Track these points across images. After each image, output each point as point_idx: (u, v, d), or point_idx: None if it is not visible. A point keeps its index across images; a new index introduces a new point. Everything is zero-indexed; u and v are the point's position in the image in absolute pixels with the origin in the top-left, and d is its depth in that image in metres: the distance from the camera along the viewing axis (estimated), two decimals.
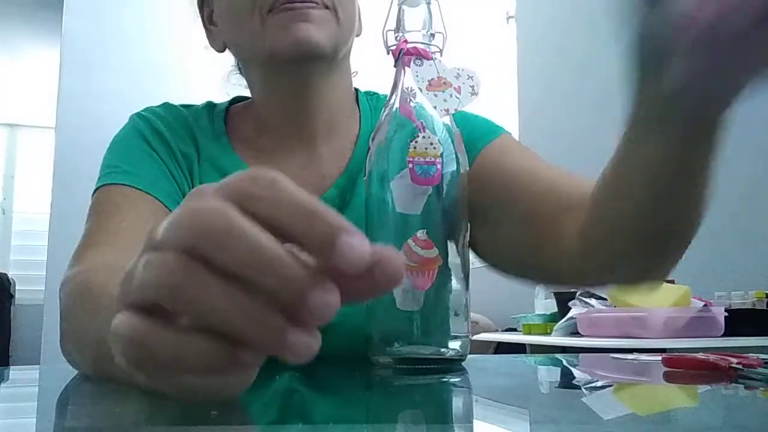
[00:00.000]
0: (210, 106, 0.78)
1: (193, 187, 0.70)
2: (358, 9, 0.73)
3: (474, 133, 0.71)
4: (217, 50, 0.75)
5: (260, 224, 0.25)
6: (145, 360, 0.26)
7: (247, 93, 0.78)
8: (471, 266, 0.57)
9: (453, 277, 0.53)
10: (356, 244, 0.26)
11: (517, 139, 0.76)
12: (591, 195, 0.55)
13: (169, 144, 0.71)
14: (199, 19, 0.77)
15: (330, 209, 0.26)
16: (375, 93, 0.80)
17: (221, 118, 0.76)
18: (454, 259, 0.53)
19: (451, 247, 0.53)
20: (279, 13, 0.64)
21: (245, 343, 0.26)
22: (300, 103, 0.71)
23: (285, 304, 0.25)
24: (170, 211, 0.64)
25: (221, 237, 0.25)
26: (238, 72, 0.79)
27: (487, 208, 0.66)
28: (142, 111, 0.74)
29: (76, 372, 0.56)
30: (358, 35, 0.73)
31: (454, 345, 0.53)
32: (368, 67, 0.90)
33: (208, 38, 0.76)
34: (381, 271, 0.26)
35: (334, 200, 0.70)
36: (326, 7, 0.65)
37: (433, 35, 0.57)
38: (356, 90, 0.79)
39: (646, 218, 0.50)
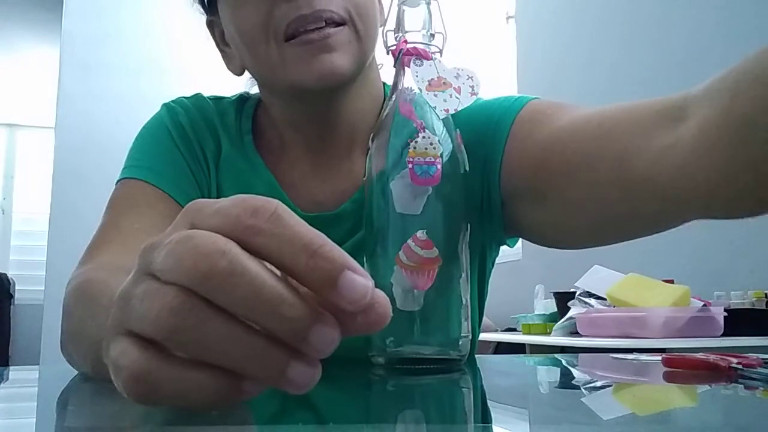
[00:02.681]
0: (241, 100, 0.74)
1: (211, 185, 0.69)
2: (377, 7, 0.67)
3: (492, 122, 0.64)
4: (236, 74, 0.70)
5: (262, 257, 0.26)
6: (147, 394, 0.27)
7: None
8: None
9: (453, 277, 0.53)
10: (357, 283, 0.26)
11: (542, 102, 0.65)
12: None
13: (191, 140, 0.70)
14: (212, 40, 0.72)
15: (333, 245, 0.26)
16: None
17: (249, 115, 0.73)
18: (454, 259, 0.53)
19: (451, 247, 0.53)
20: (297, 46, 0.59)
21: (247, 377, 0.26)
22: (322, 126, 0.68)
23: (287, 341, 0.26)
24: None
25: (223, 279, 0.25)
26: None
27: (542, 188, 0.59)
28: (172, 101, 0.73)
29: (76, 372, 0.56)
30: (381, 26, 0.66)
31: (455, 345, 0.53)
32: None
33: (224, 60, 0.71)
34: (374, 311, 0.26)
35: (349, 215, 0.67)
36: (344, 23, 0.60)
37: (433, 35, 0.57)
38: (384, 85, 0.73)
39: None
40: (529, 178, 0.60)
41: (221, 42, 0.71)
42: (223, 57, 0.71)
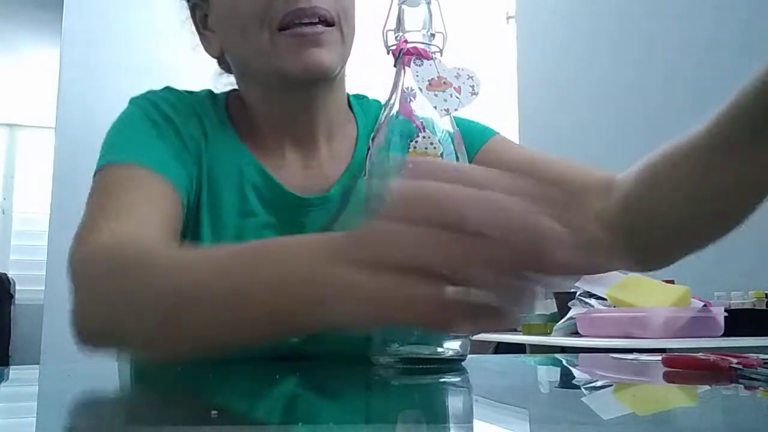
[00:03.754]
0: (211, 94, 0.76)
1: (202, 169, 0.69)
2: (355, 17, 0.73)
3: (467, 137, 0.71)
4: (213, 56, 0.74)
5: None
6: (450, 319, 0.31)
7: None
8: None
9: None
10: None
11: (517, 139, 0.79)
12: (645, 174, 0.60)
13: (177, 126, 0.69)
14: (190, 21, 0.76)
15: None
16: (364, 96, 0.81)
17: (223, 107, 0.75)
18: None
19: None
20: (290, 37, 0.64)
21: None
22: (301, 116, 0.71)
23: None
24: (179, 193, 0.64)
25: (484, 207, 0.30)
26: (224, 72, 0.78)
27: None
28: (144, 94, 0.72)
29: (75, 372, 0.56)
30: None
31: (454, 345, 0.53)
32: (368, 67, 0.89)
33: (203, 43, 0.75)
34: None
35: (337, 199, 0.70)
36: (332, 24, 0.65)
37: (433, 35, 0.57)
38: (347, 95, 0.80)
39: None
40: None
41: (201, 25, 0.74)
42: (202, 40, 0.75)
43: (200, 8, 0.73)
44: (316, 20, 0.63)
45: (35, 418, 0.38)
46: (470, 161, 0.70)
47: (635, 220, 0.61)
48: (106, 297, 0.48)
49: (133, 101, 0.71)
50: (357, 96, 0.80)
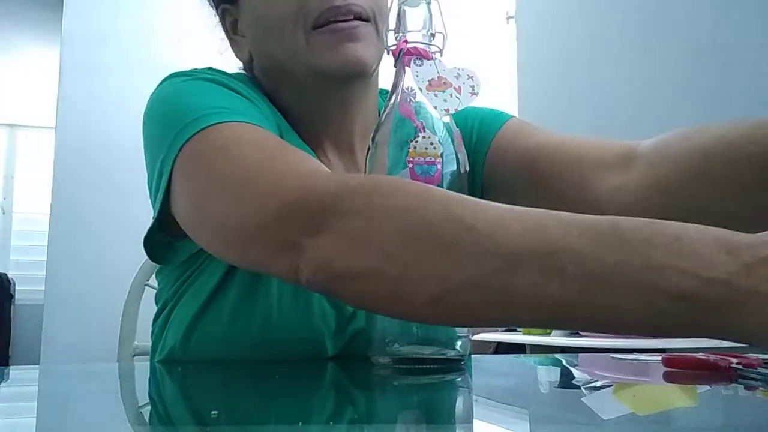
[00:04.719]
0: (249, 78, 0.72)
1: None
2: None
3: (483, 123, 0.73)
4: (243, 60, 0.73)
5: None
6: None
7: None
8: None
9: None
10: None
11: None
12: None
13: (258, 106, 0.62)
14: (221, 27, 0.74)
15: None
16: (387, 90, 0.78)
17: (264, 94, 0.71)
18: None
19: None
20: (325, 33, 0.63)
21: None
22: (338, 115, 0.70)
23: None
24: None
25: None
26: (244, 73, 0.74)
27: (515, 193, 0.68)
28: (191, 70, 0.64)
29: (75, 372, 0.56)
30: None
31: (454, 345, 0.53)
32: None
33: (233, 48, 0.73)
34: None
35: None
36: (368, 20, 0.64)
37: (433, 35, 0.57)
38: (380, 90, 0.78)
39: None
40: (515, 173, 0.68)
41: (231, 30, 0.73)
42: (232, 45, 0.73)
43: (230, 13, 0.72)
44: (352, 17, 0.63)
45: (35, 418, 0.38)
46: (487, 146, 0.72)
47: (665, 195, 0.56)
48: (430, 247, 0.38)
49: (182, 74, 0.63)
50: (381, 91, 0.77)
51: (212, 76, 0.62)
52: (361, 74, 0.65)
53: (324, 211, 0.41)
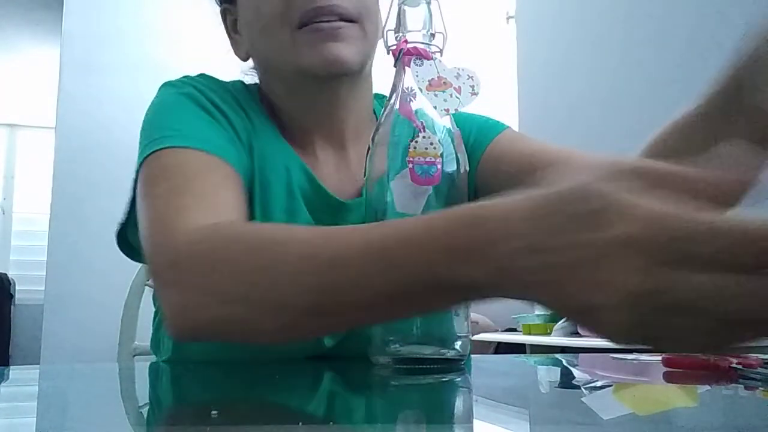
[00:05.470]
0: (245, 85, 0.75)
1: (253, 163, 0.65)
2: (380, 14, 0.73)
3: (480, 131, 0.74)
4: (241, 59, 0.75)
5: None
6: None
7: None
8: None
9: None
10: None
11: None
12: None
13: (227, 115, 0.66)
14: (222, 27, 0.76)
15: None
16: (384, 96, 0.80)
17: (258, 100, 0.73)
18: None
19: None
20: (309, 33, 0.64)
21: None
22: (327, 114, 0.71)
23: None
24: (242, 179, 0.60)
25: None
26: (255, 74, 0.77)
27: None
28: (180, 79, 0.69)
29: (75, 372, 0.56)
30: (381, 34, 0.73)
31: (454, 345, 0.53)
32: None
33: (232, 46, 0.75)
34: None
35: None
36: (353, 21, 0.65)
37: (433, 35, 0.57)
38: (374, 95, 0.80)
39: None
40: (509, 180, 0.67)
41: (232, 29, 0.75)
42: (232, 43, 0.75)
43: (230, 13, 0.75)
44: (336, 18, 0.64)
45: (35, 418, 0.38)
46: (480, 155, 0.72)
47: None
48: (252, 276, 0.43)
49: (171, 85, 0.68)
50: (377, 95, 0.80)
51: (194, 90, 0.66)
52: (342, 73, 0.66)
53: (172, 266, 0.47)
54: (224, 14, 0.75)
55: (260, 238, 0.45)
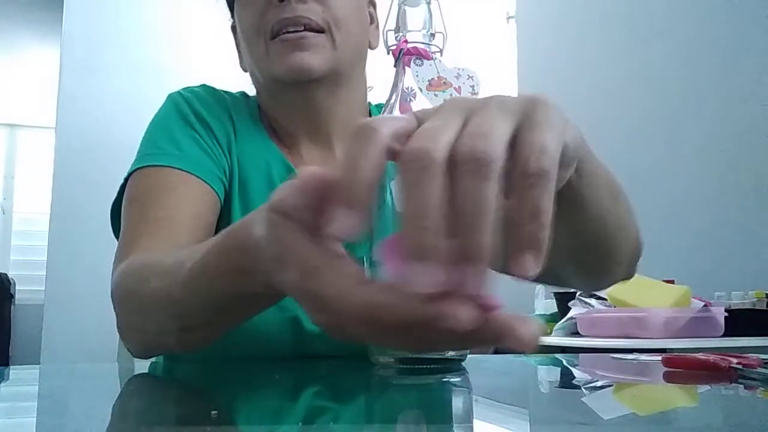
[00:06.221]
0: (245, 95, 0.81)
1: (233, 164, 0.73)
2: (371, 22, 0.77)
3: None
4: (243, 70, 0.80)
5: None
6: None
7: None
8: None
9: None
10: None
11: None
12: None
13: (208, 122, 0.73)
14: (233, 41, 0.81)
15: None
16: (382, 104, 0.83)
17: (255, 106, 0.79)
18: None
19: None
20: (279, 43, 0.69)
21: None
22: (307, 117, 0.75)
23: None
24: (212, 186, 0.68)
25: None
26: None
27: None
28: (182, 90, 0.76)
29: (75, 372, 0.56)
30: (373, 48, 0.77)
31: None
32: (368, 67, 0.90)
33: (239, 58, 0.80)
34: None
35: None
36: (322, 31, 0.69)
37: (433, 35, 0.57)
38: (369, 104, 0.83)
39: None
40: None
41: (238, 44, 0.80)
42: (239, 55, 0.81)
43: (236, 28, 0.79)
44: (302, 28, 0.69)
45: (35, 418, 0.38)
46: None
47: None
48: (129, 316, 0.55)
49: (170, 97, 0.76)
50: (379, 105, 0.83)
51: (182, 102, 0.73)
52: (308, 80, 0.70)
53: (113, 299, 0.57)
54: (233, 30, 0.80)
55: (138, 275, 0.54)
